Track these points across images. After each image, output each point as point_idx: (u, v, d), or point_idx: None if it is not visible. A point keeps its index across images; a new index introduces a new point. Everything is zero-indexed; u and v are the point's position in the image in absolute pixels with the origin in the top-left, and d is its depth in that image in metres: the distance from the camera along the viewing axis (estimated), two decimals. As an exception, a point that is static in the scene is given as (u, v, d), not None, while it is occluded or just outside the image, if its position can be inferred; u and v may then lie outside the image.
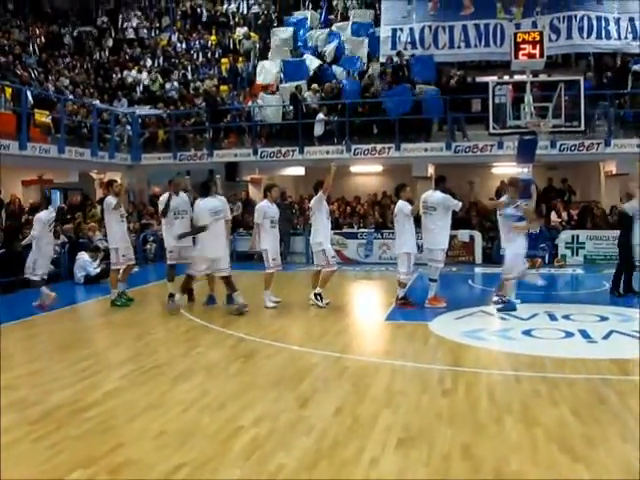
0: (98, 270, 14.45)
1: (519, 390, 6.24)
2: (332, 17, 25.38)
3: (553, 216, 18.57)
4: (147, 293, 13.05)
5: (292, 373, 6.93)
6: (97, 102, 21.97)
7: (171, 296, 11.03)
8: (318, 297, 11.03)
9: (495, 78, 17.88)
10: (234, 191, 20.67)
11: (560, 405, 5.74)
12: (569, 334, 8.68)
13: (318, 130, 20.03)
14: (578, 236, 17.32)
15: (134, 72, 25.12)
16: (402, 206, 10.76)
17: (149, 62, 26.01)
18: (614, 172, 18.51)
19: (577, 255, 17.22)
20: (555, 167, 19.54)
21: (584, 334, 8.64)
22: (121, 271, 11.59)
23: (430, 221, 10.80)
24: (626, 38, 20.78)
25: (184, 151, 20.94)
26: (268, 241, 11.23)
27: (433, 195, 10.79)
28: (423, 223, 10.92)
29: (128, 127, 21.77)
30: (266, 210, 11.22)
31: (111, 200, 11.47)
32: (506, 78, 18.15)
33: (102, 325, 10.34)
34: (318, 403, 5.97)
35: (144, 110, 22.76)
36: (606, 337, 8.53)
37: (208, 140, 20.89)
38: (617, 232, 16.74)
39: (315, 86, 21.06)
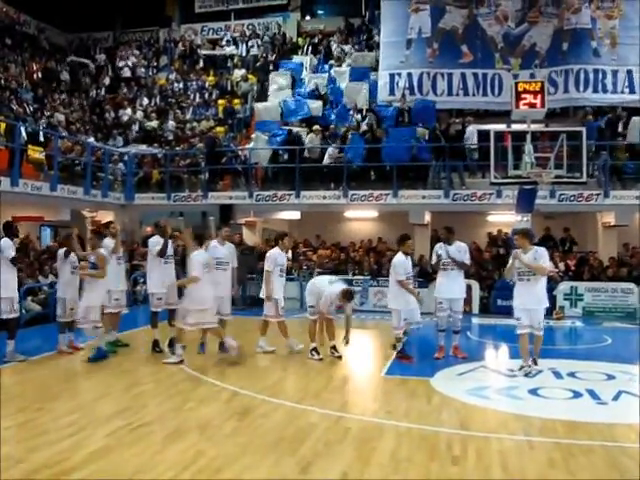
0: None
1: (533, 459, 5.89)
2: (332, 62, 25.41)
3: (550, 266, 18.30)
4: (137, 338, 12.60)
5: (291, 434, 6.55)
6: (92, 140, 21.74)
7: (156, 343, 11.01)
8: (314, 352, 10.76)
9: (497, 127, 17.83)
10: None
11: (578, 477, 5.38)
12: (577, 394, 8.37)
13: (327, 160, 19.94)
14: (577, 288, 17.06)
15: (130, 110, 24.99)
16: (396, 263, 10.42)
17: (145, 101, 25.92)
18: (612, 223, 18.35)
19: (576, 307, 16.94)
20: (552, 217, 19.39)
21: (593, 394, 8.33)
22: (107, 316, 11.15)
23: (456, 272, 10.82)
24: (622, 92, 20.84)
25: (178, 192, 20.67)
26: (277, 289, 11.11)
27: (457, 246, 10.77)
28: (443, 274, 10.84)
29: (122, 166, 21.52)
30: (277, 258, 11.14)
31: (108, 243, 11.17)
32: (503, 127, 18.20)
33: (90, 373, 9.85)
34: (321, 469, 5.58)
35: (139, 149, 22.54)
36: (616, 398, 8.23)
37: (203, 181, 20.61)
38: (616, 284, 16.87)
39: (317, 127, 20.91)
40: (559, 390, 8.57)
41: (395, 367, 10.12)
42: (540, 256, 9.41)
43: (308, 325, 11.08)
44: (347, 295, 10.61)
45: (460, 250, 10.91)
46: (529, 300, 9.44)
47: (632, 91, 20.70)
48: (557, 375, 9.43)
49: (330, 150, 19.93)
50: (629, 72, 20.73)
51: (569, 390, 8.54)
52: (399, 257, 10.47)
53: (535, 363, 9.67)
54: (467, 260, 11.06)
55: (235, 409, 7.54)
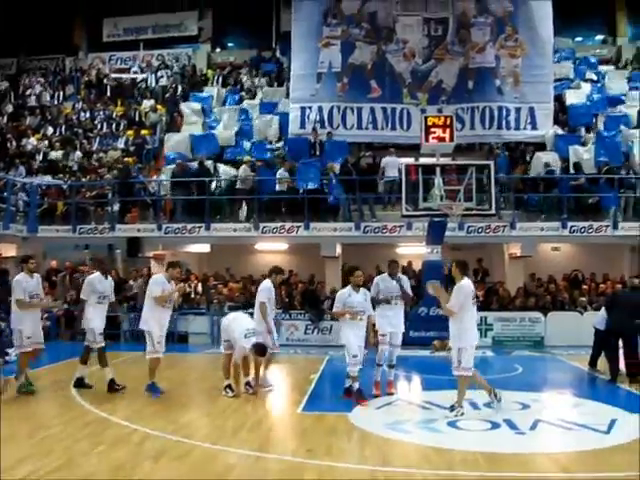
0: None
1: (458, 494, 5.82)
2: (242, 94, 25.34)
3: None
4: (39, 377, 11.92)
5: (209, 477, 6.24)
6: (-8, 170, 20.85)
7: (112, 382, 10.60)
8: (228, 389, 10.42)
9: (407, 160, 18.16)
10: (135, 267, 19.87)
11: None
12: (495, 425, 8.42)
13: (280, 187, 19.76)
14: (486, 317, 17.37)
15: (34, 140, 24.14)
16: (338, 295, 10.12)
17: (50, 130, 25.11)
18: (518, 254, 18.87)
19: (486, 337, 17.21)
20: (460, 248, 19.73)
21: (510, 425, 8.40)
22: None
23: (400, 305, 10.66)
24: (525, 129, 21.61)
25: (84, 224, 19.98)
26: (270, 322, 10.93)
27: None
28: (386, 307, 10.49)
29: (25, 196, 20.67)
30: (273, 291, 11.00)
31: (20, 278, 10.51)
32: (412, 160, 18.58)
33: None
34: (242, 514, 5.33)
35: (43, 180, 21.73)
36: (533, 428, 8.34)
37: (111, 213, 20.00)
38: (524, 313, 17.34)
39: (248, 158, 20.80)
40: (477, 421, 8.59)
41: (312, 403, 9.94)
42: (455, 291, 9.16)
43: (222, 361, 10.75)
44: (259, 352, 10.22)
45: (404, 283, 10.74)
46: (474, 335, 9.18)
47: (534, 127, 21.48)
48: (474, 406, 9.44)
49: (281, 171, 19.83)
50: (531, 109, 21.50)
51: (487, 421, 8.57)
52: (342, 290, 10.19)
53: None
54: (410, 293, 10.93)
55: (148, 452, 7.17)
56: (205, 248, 20.66)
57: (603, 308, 12.69)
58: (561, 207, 18.59)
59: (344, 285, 11.47)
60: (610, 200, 18.53)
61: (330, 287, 18.47)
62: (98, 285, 10.80)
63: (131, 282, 19.21)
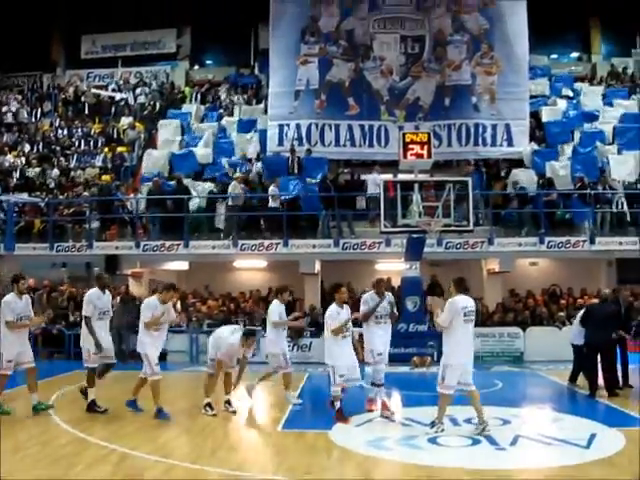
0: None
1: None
2: (221, 111, 25.36)
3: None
4: (17, 397, 11.71)
5: (188, 497, 6.19)
6: (-32, 187, 20.68)
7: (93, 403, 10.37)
8: (208, 407, 10.28)
9: (386, 177, 18.25)
10: (113, 285, 19.67)
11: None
12: (476, 441, 8.40)
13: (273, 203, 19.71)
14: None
15: (11, 157, 23.97)
16: (331, 310, 9.84)
17: (27, 147, 24.95)
18: (496, 270, 18.97)
19: (463, 354, 17.22)
20: (438, 264, 19.83)
21: (491, 440, 8.39)
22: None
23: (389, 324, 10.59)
24: (501, 145, 21.81)
25: (62, 242, 19.81)
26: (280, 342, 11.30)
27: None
28: (376, 326, 10.43)
29: (2, 214, 20.48)
30: (282, 311, 11.26)
31: (10, 299, 10.28)
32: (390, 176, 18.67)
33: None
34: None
35: (20, 197, 21.54)
36: (513, 443, 8.35)
37: (89, 231, 19.84)
38: (503, 329, 17.40)
39: (238, 174, 20.73)
40: (458, 437, 8.58)
41: (292, 421, 9.88)
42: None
43: (204, 379, 10.65)
44: (248, 335, 10.38)
45: (391, 302, 10.67)
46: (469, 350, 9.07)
47: (510, 144, 21.69)
48: (454, 422, 9.44)
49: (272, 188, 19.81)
50: (507, 126, 21.72)
51: (467, 437, 8.56)
52: (331, 307, 9.90)
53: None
54: (395, 311, 10.87)
55: (126, 472, 7.09)
56: (184, 266, 20.54)
57: (575, 323, 12.80)
58: (537, 222, 18.74)
59: (323, 302, 11.50)
60: (582, 215, 18.76)
61: (309, 304, 18.44)
62: (97, 301, 10.52)
63: (109, 300, 18.98)
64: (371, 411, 10.20)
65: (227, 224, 19.64)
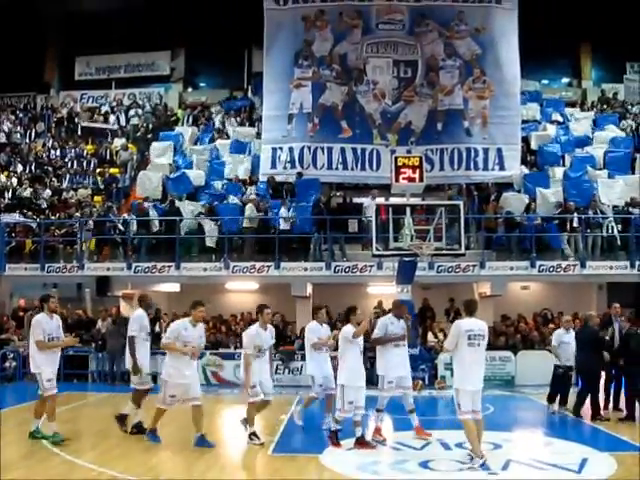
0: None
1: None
2: (214, 133, 25.44)
3: (430, 337, 18.75)
4: (5, 419, 11.63)
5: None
6: (-42, 207, 20.61)
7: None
8: (254, 437, 9.83)
9: (378, 200, 18.33)
10: (104, 306, 19.62)
11: None
12: (467, 465, 8.38)
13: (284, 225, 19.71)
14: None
15: (3, 177, 23.94)
16: (345, 329, 9.67)
17: (20, 167, 24.94)
18: (488, 293, 18.96)
19: (458, 376, 17.19)
20: (429, 287, 19.87)
21: (482, 465, 8.34)
22: None
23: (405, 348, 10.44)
24: (493, 169, 21.94)
25: (53, 262, 19.74)
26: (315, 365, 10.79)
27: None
28: (392, 351, 10.26)
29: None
30: (317, 330, 10.79)
31: (41, 319, 10.06)
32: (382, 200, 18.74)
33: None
34: None
35: (12, 217, 21.49)
36: (505, 468, 8.35)
37: (80, 252, 19.79)
38: (494, 352, 17.38)
39: (253, 197, 20.83)
40: (449, 462, 8.56)
41: (283, 444, 9.83)
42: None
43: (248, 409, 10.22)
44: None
45: (403, 327, 10.51)
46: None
47: (502, 168, 21.81)
48: (445, 446, 9.44)
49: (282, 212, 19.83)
50: (499, 150, 21.84)
51: (459, 462, 8.53)
52: (348, 327, 9.71)
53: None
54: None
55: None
56: (175, 287, 20.49)
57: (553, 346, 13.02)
58: (524, 247, 18.90)
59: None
60: (557, 240, 19.00)
61: (301, 327, 18.39)
62: (144, 321, 10.58)
63: (99, 322, 18.90)
64: (378, 438, 9.95)
65: (246, 246, 19.81)
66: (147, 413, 10.17)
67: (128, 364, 10.58)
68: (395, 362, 10.22)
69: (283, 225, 19.67)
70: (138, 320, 10.56)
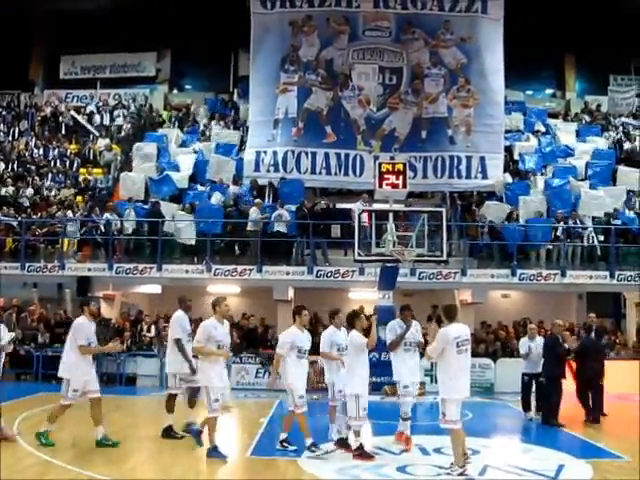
0: None
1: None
2: (198, 135, 25.38)
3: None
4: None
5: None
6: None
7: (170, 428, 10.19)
8: (286, 443, 9.42)
9: (360, 205, 18.39)
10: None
11: None
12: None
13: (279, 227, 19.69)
14: (436, 363, 17.39)
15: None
16: (354, 338, 9.27)
17: (2, 166, 24.74)
18: (469, 301, 19.05)
19: (436, 383, 17.19)
20: (411, 294, 19.90)
21: (460, 475, 8.33)
22: None
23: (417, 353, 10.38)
24: (476, 177, 22.08)
25: (33, 262, 19.59)
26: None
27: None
28: (405, 355, 10.28)
29: (-28, 234, 20.24)
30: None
31: (82, 322, 9.85)
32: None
33: None
34: None
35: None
36: (482, 473, 8.40)
37: (61, 251, 19.65)
38: (474, 360, 17.39)
39: (259, 200, 20.76)
40: (427, 467, 8.60)
41: (261, 447, 9.82)
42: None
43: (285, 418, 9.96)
44: None
45: (418, 329, 10.50)
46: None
47: (485, 177, 21.97)
48: (424, 451, 9.49)
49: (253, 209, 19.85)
50: (482, 158, 22.01)
51: (436, 466, 8.57)
52: (355, 333, 9.35)
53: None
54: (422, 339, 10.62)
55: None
56: (156, 289, 20.41)
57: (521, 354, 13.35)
58: (505, 255, 19.09)
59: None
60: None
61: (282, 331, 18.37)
62: (184, 323, 10.53)
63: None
64: (401, 444, 9.85)
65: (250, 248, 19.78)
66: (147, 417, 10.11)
67: (168, 367, 10.55)
68: (408, 365, 10.28)
69: (277, 227, 19.65)
70: (179, 322, 10.52)
